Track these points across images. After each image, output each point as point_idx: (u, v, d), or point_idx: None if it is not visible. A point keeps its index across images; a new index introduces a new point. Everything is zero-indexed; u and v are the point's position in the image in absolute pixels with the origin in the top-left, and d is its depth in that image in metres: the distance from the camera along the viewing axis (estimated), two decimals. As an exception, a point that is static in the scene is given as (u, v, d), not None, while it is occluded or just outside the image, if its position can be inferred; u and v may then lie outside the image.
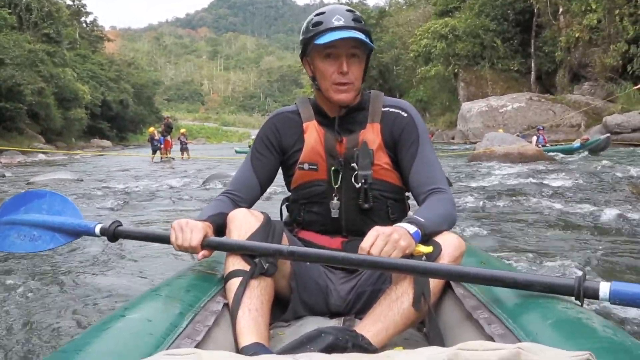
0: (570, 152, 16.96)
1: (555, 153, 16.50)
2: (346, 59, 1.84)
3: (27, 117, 38.38)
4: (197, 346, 1.28)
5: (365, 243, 1.49)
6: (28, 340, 2.58)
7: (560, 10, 32.19)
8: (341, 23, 1.81)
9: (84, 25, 74.19)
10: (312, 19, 1.90)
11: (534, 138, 19.40)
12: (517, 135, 18.91)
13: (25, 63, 36.30)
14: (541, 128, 20.60)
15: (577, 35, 29.30)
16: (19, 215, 2.02)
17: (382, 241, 1.48)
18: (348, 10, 1.88)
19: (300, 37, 1.94)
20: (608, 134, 17.92)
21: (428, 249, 1.54)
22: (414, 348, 1.57)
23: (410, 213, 1.93)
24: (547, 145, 18.99)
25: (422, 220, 1.61)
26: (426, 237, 1.59)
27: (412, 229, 1.56)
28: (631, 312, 2.59)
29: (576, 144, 17.59)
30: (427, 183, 1.84)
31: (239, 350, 1.44)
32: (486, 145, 15.48)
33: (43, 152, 27.48)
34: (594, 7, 28.07)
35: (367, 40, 1.82)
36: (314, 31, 1.85)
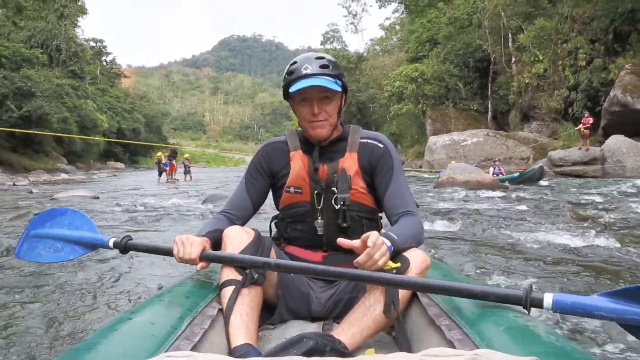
0: (512, 180, 17.13)
1: (504, 181, 16.68)
2: (317, 102, 1.84)
3: (53, 141, 38.32)
4: (194, 347, 1.27)
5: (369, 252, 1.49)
6: (44, 339, 2.52)
7: (513, 59, 32.80)
8: (309, 71, 1.80)
9: (105, 63, 74.07)
10: (287, 67, 1.90)
11: (491, 169, 19.59)
12: (476, 166, 19.06)
13: (53, 95, 36.22)
14: (497, 160, 20.84)
15: (527, 82, 29.90)
16: (45, 230, 2.04)
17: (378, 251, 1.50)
18: (317, 58, 1.87)
19: (282, 84, 1.94)
20: (541, 165, 18.24)
21: (397, 264, 1.54)
22: (385, 349, 1.58)
23: (383, 231, 1.93)
24: (501, 175, 19.16)
25: (395, 237, 1.62)
26: (396, 252, 1.60)
27: (387, 242, 1.56)
28: (572, 320, 2.60)
29: (516, 174, 17.96)
30: (400, 206, 1.84)
31: (230, 350, 1.42)
32: (449, 174, 15.56)
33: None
34: (541, 58, 28.77)
35: (333, 85, 1.81)
36: (288, 79, 1.86)
